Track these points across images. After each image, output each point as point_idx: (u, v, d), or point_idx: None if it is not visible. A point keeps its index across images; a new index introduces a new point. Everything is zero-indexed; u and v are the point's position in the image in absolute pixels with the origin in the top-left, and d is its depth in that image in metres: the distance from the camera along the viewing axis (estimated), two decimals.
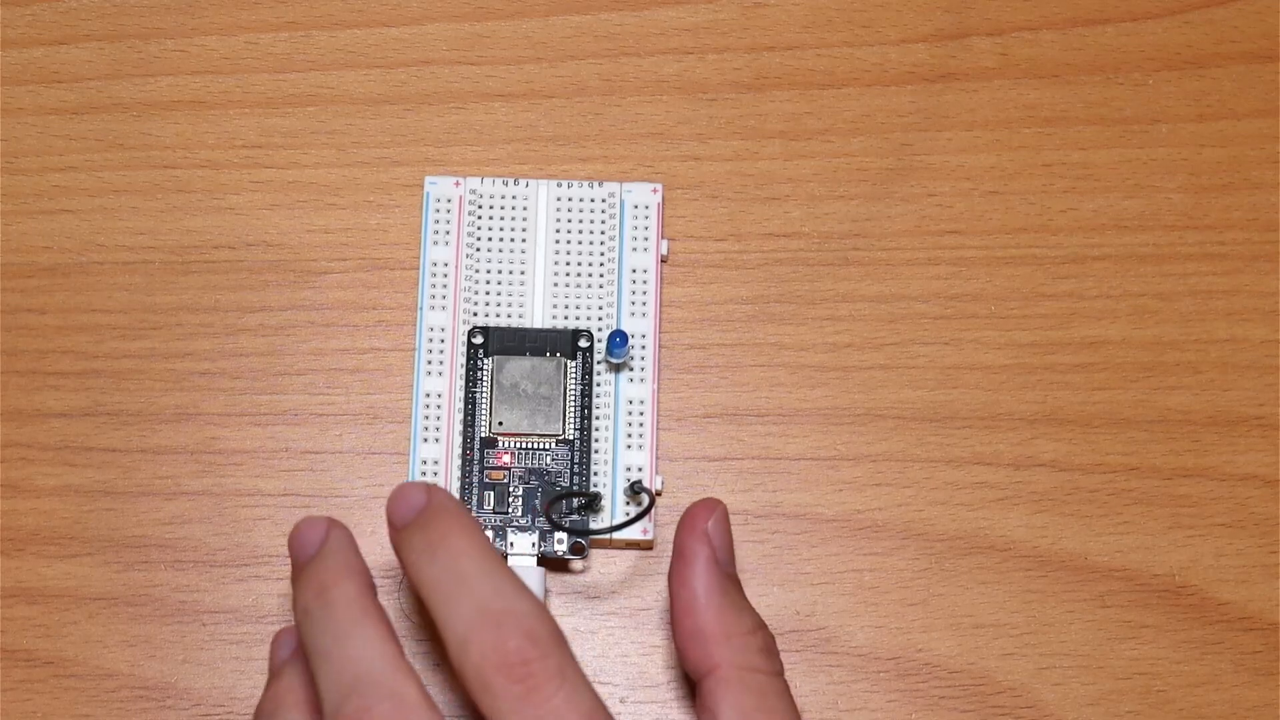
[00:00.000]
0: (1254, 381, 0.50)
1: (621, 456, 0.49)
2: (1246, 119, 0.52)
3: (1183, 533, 0.49)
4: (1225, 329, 0.51)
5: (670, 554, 0.49)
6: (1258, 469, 0.50)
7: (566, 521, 0.48)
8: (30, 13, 0.52)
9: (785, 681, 0.44)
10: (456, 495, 0.48)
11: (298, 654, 0.44)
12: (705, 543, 0.45)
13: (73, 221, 0.51)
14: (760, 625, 0.45)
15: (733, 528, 0.48)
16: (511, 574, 0.41)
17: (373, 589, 0.42)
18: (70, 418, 0.50)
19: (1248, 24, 0.53)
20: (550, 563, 0.48)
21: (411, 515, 0.42)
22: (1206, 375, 0.50)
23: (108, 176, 0.51)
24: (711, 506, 0.45)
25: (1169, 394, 0.50)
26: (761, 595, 0.49)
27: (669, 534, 0.49)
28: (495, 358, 0.49)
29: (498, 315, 0.50)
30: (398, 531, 0.43)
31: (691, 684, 0.48)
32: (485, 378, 0.49)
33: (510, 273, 0.50)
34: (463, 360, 0.49)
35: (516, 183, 0.51)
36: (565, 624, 0.48)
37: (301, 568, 0.43)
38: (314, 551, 0.43)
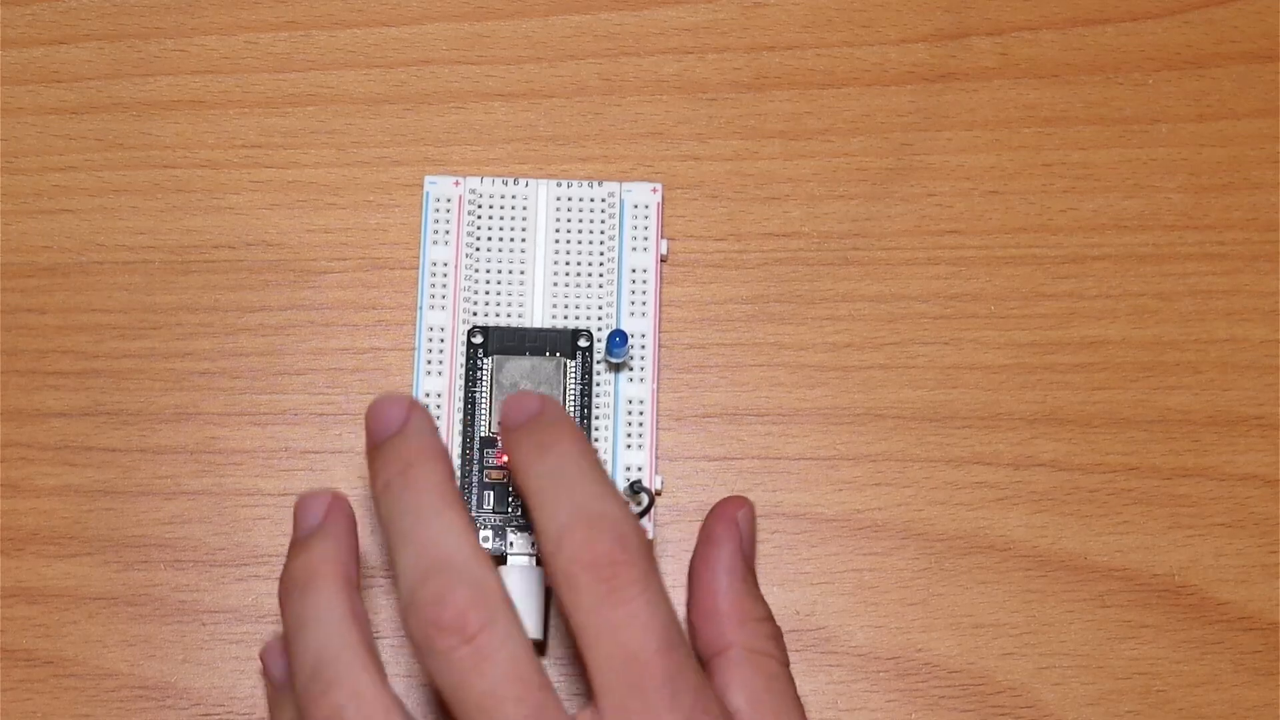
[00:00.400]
0: (1254, 381, 0.50)
1: (621, 456, 0.49)
2: (1246, 119, 0.52)
3: (1183, 533, 0.49)
4: (1225, 329, 0.51)
5: (668, 551, 0.49)
6: (1258, 469, 0.50)
7: None
8: (30, 13, 0.52)
9: (790, 674, 0.45)
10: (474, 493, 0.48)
11: (331, 518, 0.43)
12: (734, 530, 0.47)
13: (73, 221, 0.51)
14: (772, 617, 0.46)
15: None
16: (613, 485, 0.42)
17: (455, 475, 0.43)
18: (70, 418, 0.50)
19: (1248, 24, 0.53)
20: None
21: (524, 419, 0.43)
22: (1206, 375, 0.50)
23: (108, 176, 0.51)
24: (742, 502, 0.48)
25: (1169, 394, 0.50)
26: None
27: (669, 533, 0.49)
28: (495, 357, 0.49)
29: (497, 315, 0.50)
30: (510, 432, 0.43)
31: None
32: (485, 377, 0.49)
33: (510, 272, 0.50)
34: (462, 360, 0.49)
35: (516, 182, 0.51)
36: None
37: (380, 444, 0.43)
38: (396, 429, 0.43)
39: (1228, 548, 0.49)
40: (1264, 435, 0.50)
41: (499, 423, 0.44)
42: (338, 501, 0.43)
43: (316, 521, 0.43)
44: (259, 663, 0.48)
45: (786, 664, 0.45)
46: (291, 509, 0.49)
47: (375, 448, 0.43)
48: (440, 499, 0.41)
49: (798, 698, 0.44)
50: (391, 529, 0.41)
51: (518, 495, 0.47)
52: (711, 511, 0.47)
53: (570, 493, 0.41)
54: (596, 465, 0.42)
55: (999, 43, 0.53)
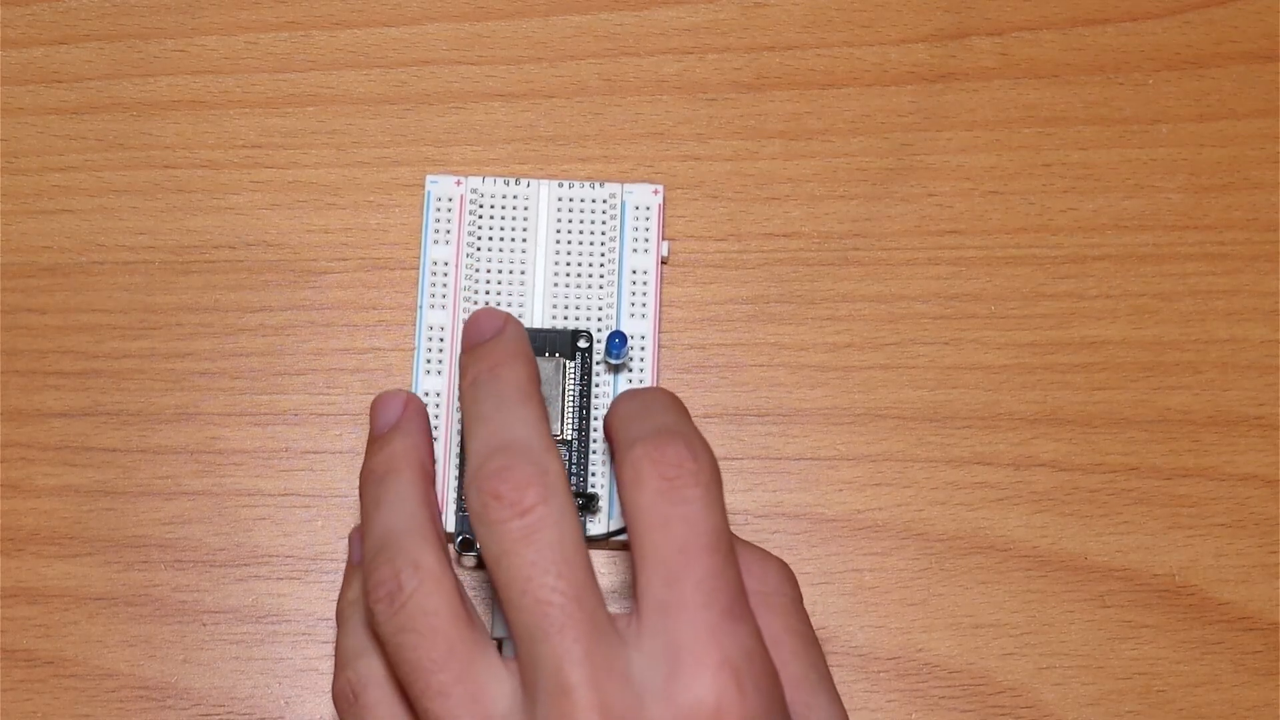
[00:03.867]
0: (1254, 381, 0.50)
1: None
2: (1246, 119, 0.52)
3: (1183, 533, 0.49)
4: (1225, 329, 0.51)
5: None
6: (1258, 469, 0.50)
7: None
8: (30, 13, 0.52)
9: (804, 608, 0.44)
10: (453, 496, 0.48)
11: (407, 416, 0.45)
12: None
13: (73, 221, 0.51)
14: (779, 560, 0.44)
15: (733, 528, 0.48)
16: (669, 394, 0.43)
17: (539, 381, 0.44)
18: (70, 418, 0.50)
19: (1248, 24, 0.53)
20: None
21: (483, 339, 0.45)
22: (1206, 375, 0.50)
23: (108, 176, 0.51)
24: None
25: (1169, 394, 0.50)
26: None
27: None
28: None
29: None
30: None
31: None
32: None
33: (510, 272, 0.50)
34: None
35: (518, 182, 0.51)
36: None
37: (472, 347, 0.44)
38: (490, 337, 0.44)
39: (1228, 548, 0.49)
40: (1264, 435, 0.50)
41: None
42: (413, 400, 0.45)
43: (395, 418, 0.45)
44: (265, 660, 0.48)
45: (798, 598, 0.44)
46: (291, 508, 0.49)
47: (467, 351, 0.44)
48: (521, 394, 0.43)
49: (813, 633, 0.43)
50: (471, 415, 0.43)
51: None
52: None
53: (647, 408, 0.42)
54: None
55: (999, 43, 0.53)
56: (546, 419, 0.42)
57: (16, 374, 0.50)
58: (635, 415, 0.43)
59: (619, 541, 0.48)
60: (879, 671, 0.48)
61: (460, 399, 0.44)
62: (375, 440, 0.44)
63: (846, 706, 0.48)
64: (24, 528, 0.49)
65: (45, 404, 0.50)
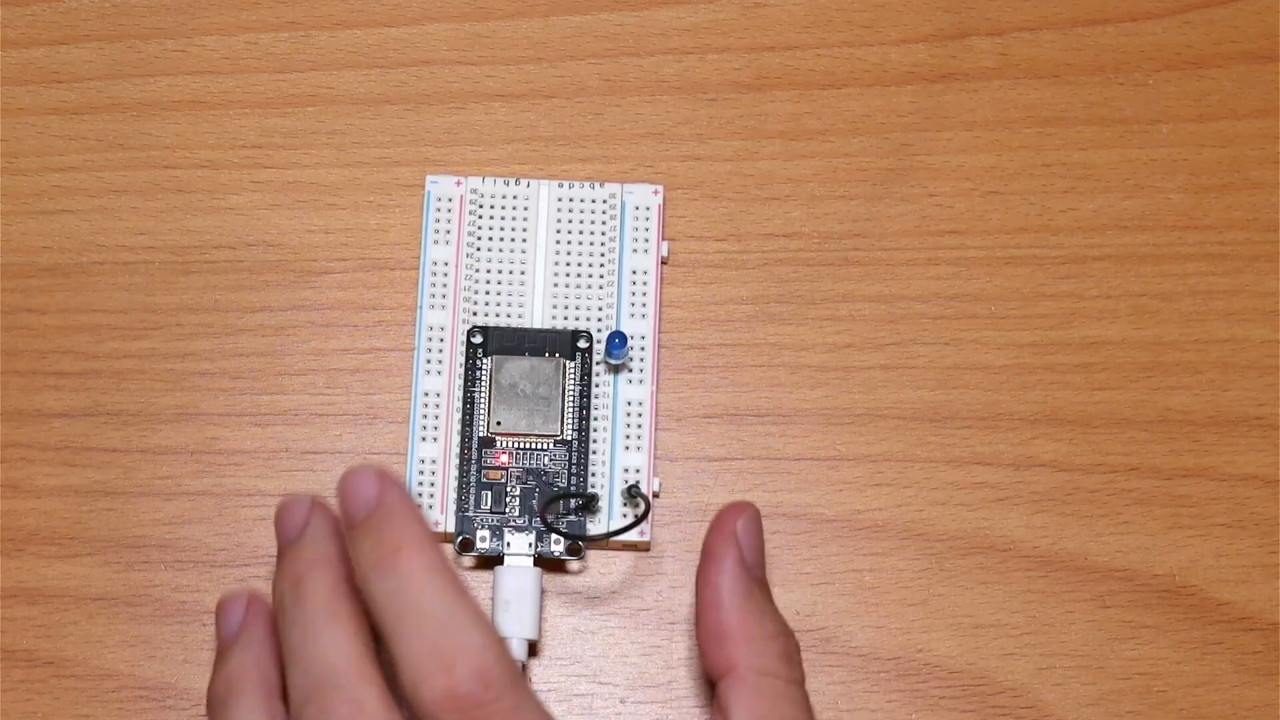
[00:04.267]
0: (1254, 381, 0.50)
1: (619, 458, 0.49)
2: (1246, 119, 0.52)
3: (1183, 533, 0.49)
4: (1225, 329, 0.51)
5: (667, 552, 0.49)
6: (1258, 469, 0.50)
7: (563, 524, 0.48)
8: (30, 13, 0.52)
9: (804, 691, 0.44)
10: (453, 496, 0.48)
11: (247, 625, 0.44)
12: (734, 544, 0.44)
13: (73, 221, 0.51)
14: (784, 632, 0.44)
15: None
16: (466, 598, 0.40)
17: (348, 579, 0.41)
18: (70, 418, 0.50)
19: (1248, 24, 0.53)
20: (547, 563, 0.48)
21: (362, 514, 0.41)
22: (1206, 375, 0.50)
23: (108, 176, 0.51)
24: (742, 508, 0.45)
25: (1169, 394, 0.50)
26: None
27: (669, 534, 0.49)
28: (494, 357, 0.49)
29: (497, 315, 0.50)
30: (348, 529, 0.41)
31: (701, 686, 0.48)
32: (484, 377, 0.49)
33: (510, 273, 0.50)
34: (462, 360, 0.49)
35: (518, 183, 0.51)
36: (565, 624, 0.48)
37: (283, 552, 0.43)
38: (295, 536, 0.42)
39: (1228, 548, 0.49)
40: (1264, 435, 0.50)
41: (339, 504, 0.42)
42: (254, 604, 0.44)
43: (234, 629, 0.44)
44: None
45: (798, 682, 0.43)
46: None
47: (279, 554, 0.43)
48: (328, 611, 0.41)
49: (810, 712, 0.43)
50: (284, 644, 0.41)
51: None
52: (711, 523, 0.45)
53: (421, 625, 0.40)
54: (446, 576, 0.40)
55: (999, 43, 0.53)
56: (359, 627, 0.41)
57: (16, 374, 0.50)
58: (394, 605, 0.40)
59: (618, 542, 0.48)
60: (879, 671, 0.48)
61: (275, 617, 0.42)
62: (218, 656, 0.44)
63: (846, 706, 0.48)
64: (24, 528, 0.49)
65: (45, 404, 0.50)
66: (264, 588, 0.49)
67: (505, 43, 0.53)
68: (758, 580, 0.44)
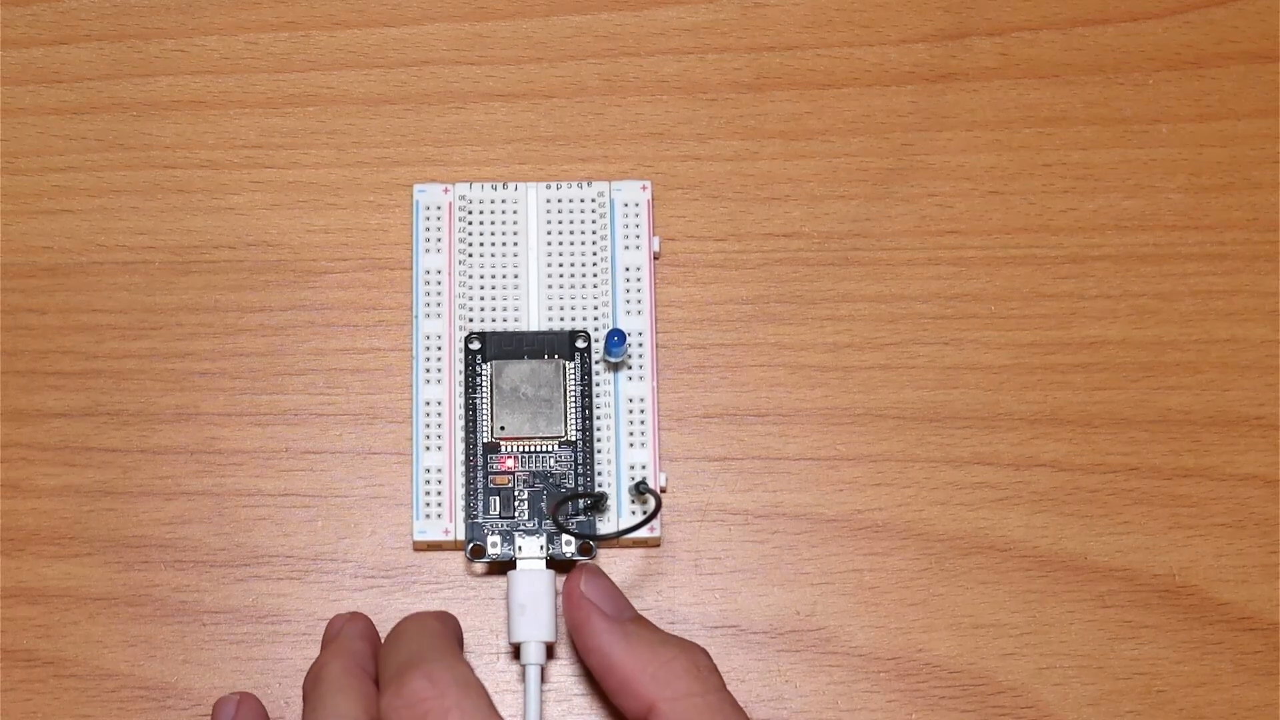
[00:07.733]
0: (1254, 381, 0.50)
1: (624, 455, 0.49)
2: (1246, 119, 0.52)
3: (1183, 533, 0.49)
4: (1225, 329, 0.51)
5: (669, 552, 0.49)
6: (1258, 469, 0.50)
7: (574, 524, 0.48)
8: (30, 13, 0.52)
9: (726, 694, 0.44)
10: (462, 504, 0.48)
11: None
12: (588, 605, 0.46)
13: (73, 221, 0.51)
14: (680, 650, 0.45)
15: (733, 528, 0.48)
16: None
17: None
18: (70, 418, 0.50)
19: (1248, 24, 0.53)
20: (559, 564, 0.48)
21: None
22: (1206, 375, 0.50)
23: (108, 176, 0.51)
24: (578, 575, 0.46)
25: (1169, 394, 0.50)
26: (761, 595, 0.49)
27: (670, 534, 0.49)
28: (494, 363, 0.49)
29: (494, 320, 0.50)
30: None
31: None
32: (485, 383, 0.49)
33: (504, 277, 0.50)
34: (461, 367, 0.49)
35: (506, 186, 0.51)
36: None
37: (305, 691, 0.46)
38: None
39: (1228, 548, 0.49)
40: (1264, 435, 0.50)
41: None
42: (246, 702, 0.47)
43: None
44: (264, 660, 0.48)
45: (718, 687, 0.44)
46: (291, 508, 0.49)
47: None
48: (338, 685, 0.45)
49: (738, 712, 0.44)
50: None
51: None
52: (562, 601, 0.47)
53: (393, 646, 0.45)
54: None
55: (999, 43, 0.53)
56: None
57: (16, 374, 0.50)
58: (384, 661, 0.44)
59: (630, 540, 0.48)
60: (879, 671, 0.48)
61: None
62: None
63: (846, 707, 0.48)
64: (24, 528, 0.49)
65: (45, 404, 0.50)
66: (265, 587, 0.49)
67: (505, 43, 0.53)
68: (630, 620, 0.46)
